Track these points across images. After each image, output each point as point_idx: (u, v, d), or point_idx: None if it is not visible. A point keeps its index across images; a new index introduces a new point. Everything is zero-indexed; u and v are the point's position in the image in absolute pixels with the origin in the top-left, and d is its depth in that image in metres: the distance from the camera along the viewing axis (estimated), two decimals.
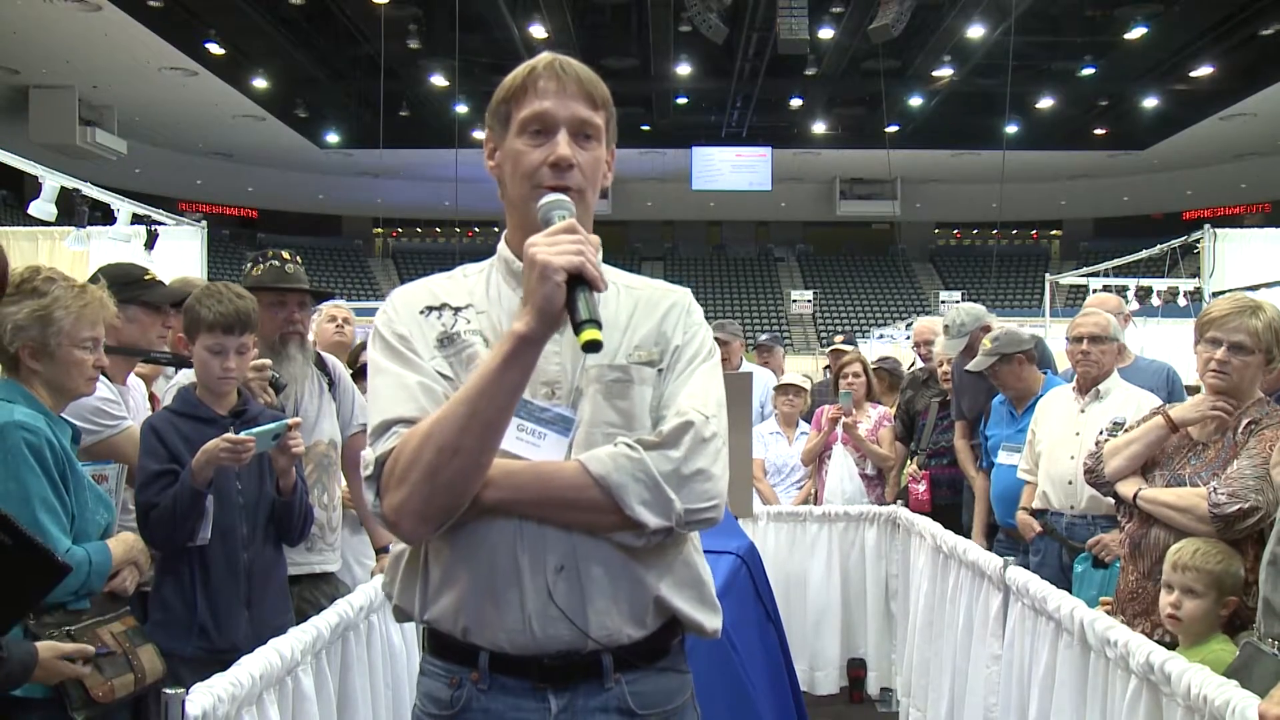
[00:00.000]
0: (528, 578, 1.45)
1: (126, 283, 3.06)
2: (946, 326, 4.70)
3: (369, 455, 1.46)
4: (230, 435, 2.56)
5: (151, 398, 3.38)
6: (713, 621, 1.58)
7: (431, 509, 1.42)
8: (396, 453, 1.42)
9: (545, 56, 1.56)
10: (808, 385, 6.11)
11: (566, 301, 1.34)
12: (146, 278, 3.15)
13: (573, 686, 1.49)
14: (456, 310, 1.57)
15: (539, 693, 1.49)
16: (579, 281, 1.34)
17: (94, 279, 2.65)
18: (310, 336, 3.76)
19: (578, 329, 1.33)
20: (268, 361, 3.02)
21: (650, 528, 1.43)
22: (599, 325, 1.33)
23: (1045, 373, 4.53)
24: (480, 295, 1.59)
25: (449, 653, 1.52)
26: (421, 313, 1.56)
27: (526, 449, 1.47)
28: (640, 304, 1.61)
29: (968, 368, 4.45)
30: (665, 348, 1.57)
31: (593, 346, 1.33)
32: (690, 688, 1.62)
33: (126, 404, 2.98)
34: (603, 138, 1.56)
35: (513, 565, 1.46)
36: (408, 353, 1.51)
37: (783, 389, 5.92)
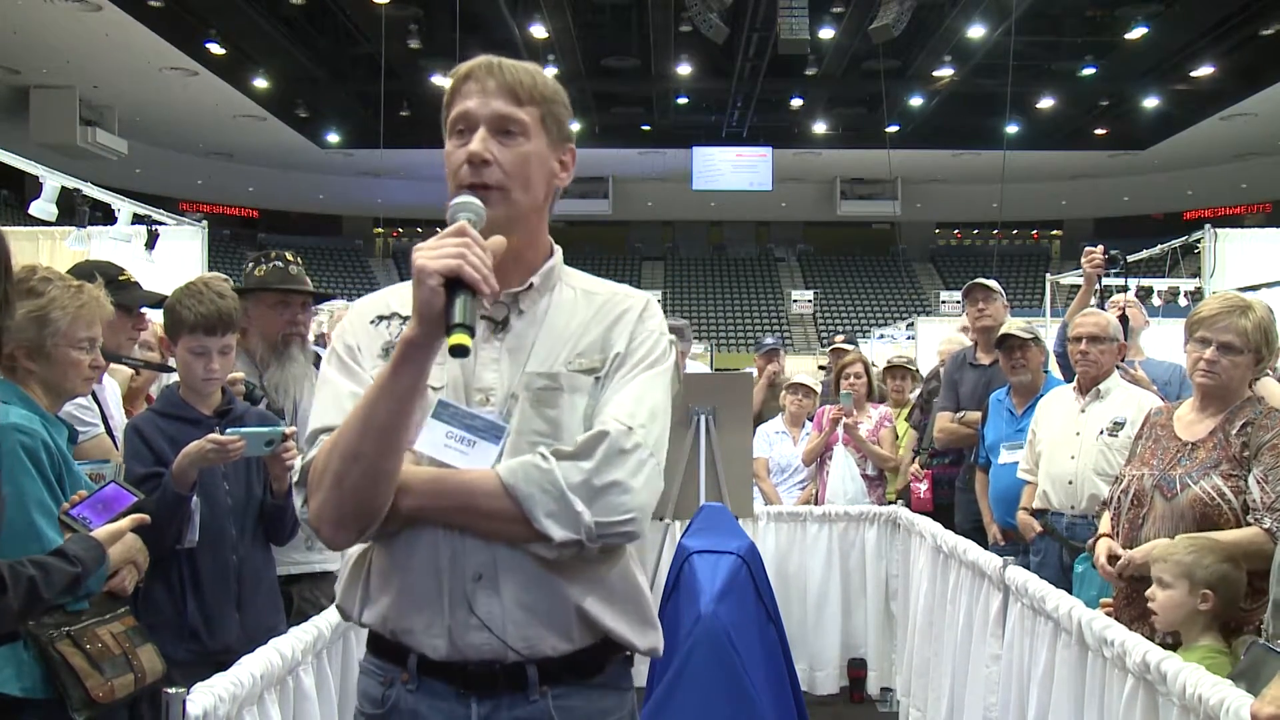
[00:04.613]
0: (448, 586, 1.47)
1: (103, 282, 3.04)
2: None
3: (298, 463, 1.51)
4: (217, 436, 2.52)
5: (149, 399, 3.37)
6: (646, 640, 1.54)
7: (344, 515, 1.44)
8: (315, 460, 1.46)
9: (478, 59, 1.54)
10: (818, 387, 6.13)
11: (445, 305, 1.33)
12: (121, 278, 3.09)
13: (496, 696, 1.48)
14: (405, 319, 1.56)
15: (463, 698, 1.49)
16: (459, 285, 1.33)
17: (86, 276, 2.60)
18: (311, 336, 3.76)
19: (447, 332, 1.33)
20: (241, 375, 2.99)
21: (555, 540, 1.41)
22: (469, 330, 1.33)
23: (1046, 372, 4.53)
24: None
25: (383, 652, 1.54)
26: (372, 322, 1.58)
27: (455, 456, 1.46)
28: (597, 311, 1.58)
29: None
30: (607, 357, 1.53)
31: (458, 351, 1.32)
32: (630, 705, 1.58)
33: (103, 405, 2.96)
34: (531, 133, 1.51)
35: (434, 573, 1.47)
36: (352, 363, 1.54)
37: (792, 388, 5.92)
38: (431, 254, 1.34)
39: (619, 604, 1.51)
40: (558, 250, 1.62)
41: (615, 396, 1.49)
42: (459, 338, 1.32)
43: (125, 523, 2.22)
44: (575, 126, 1.64)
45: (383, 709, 1.52)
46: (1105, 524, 3.06)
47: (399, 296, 1.60)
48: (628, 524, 1.44)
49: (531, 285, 1.56)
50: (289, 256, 3.25)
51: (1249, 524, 2.71)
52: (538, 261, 1.58)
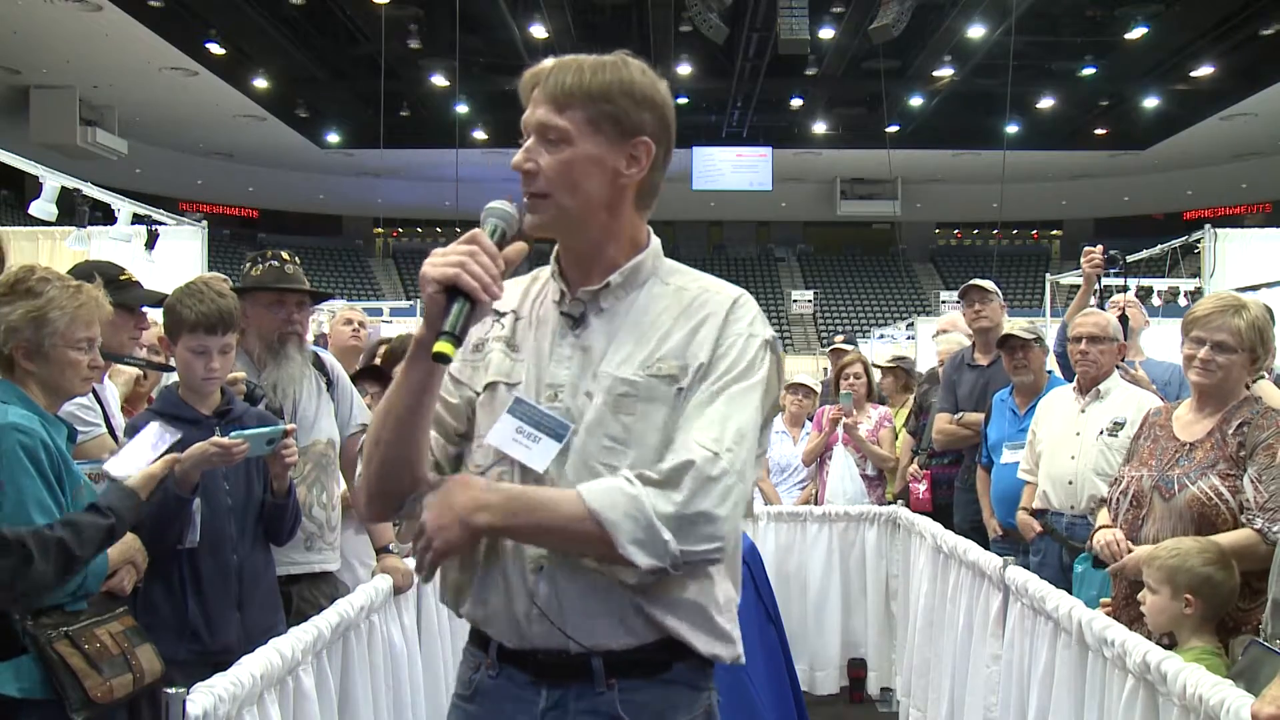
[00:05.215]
0: (514, 579, 1.51)
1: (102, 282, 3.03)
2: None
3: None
4: (220, 439, 2.52)
5: (149, 400, 3.37)
6: (708, 645, 1.53)
7: (371, 493, 1.56)
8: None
9: (541, 64, 1.56)
10: (817, 387, 6.12)
11: (443, 311, 1.39)
12: (122, 277, 3.07)
13: (564, 685, 1.51)
14: (499, 316, 1.62)
15: (535, 686, 1.52)
16: (457, 293, 1.38)
17: (86, 276, 2.60)
18: (310, 336, 3.75)
19: (435, 337, 1.38)
20: (242, 374, 3.00)
21: (642, 568, 1.42)
22: (455, 340, 1.37)
23: (1049, 373, 4.53)
24: (530, 299, 1.64)
25: (474, 639, 1.62)
26: None
27: (520, 451, 1.50)
28: (683, 311, 1.55)
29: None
30: (689, 364, 1.51)
31: (438, 358, 1.37)
32: (705, 705, 1.58)
33: (105, 405, 2.96)
34: (575, 137, 1.51)
35: (500, 564, 1.52)
36: None
37: (792, 388, 5.92)
38: (434, 261, 1.40)
39: (679, 606, 1.51)
40: (652, 245, 1.62)
41: (700, 416, 1.47)
42: (440, 345, 1.37)
43: (158, 466, 2.30)
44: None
45: (469, 691, 1.60)
46: (1104, 518, 3.07)
47: (510, 292, 1.64)
48: (714, 552, 1.44)
49: (609, 284, 1.56)
50: (285, 256, 3.24)
51: (1245, 524, 2.71)
52: (620, 259, 1.58)
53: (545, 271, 1.65)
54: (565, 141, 1.51)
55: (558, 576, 1.48)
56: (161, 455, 2.38)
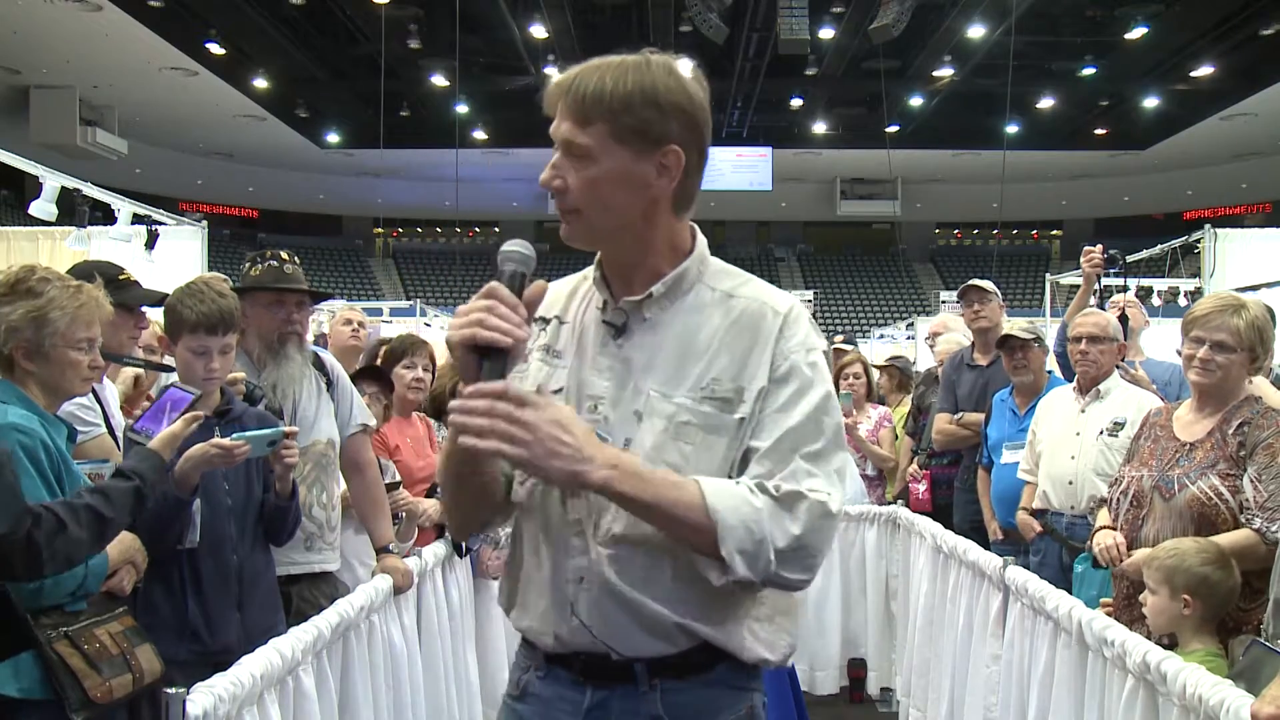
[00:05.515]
0: (555, 589, 1.52)
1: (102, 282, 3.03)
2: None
3: None
4: (221, 440, 2.51)
5: (149, 399, 3.36)
6: (753, 653, 1.53)
7: (450, 523, 1.67)
8: None
9: (568, 71, 1.50)
10: None
11: (477, 369, 1.39)
12: (121, 277, 3.06)
13: (608, 687, 1.53)
14: (546, 323, 1.61)
15: (580, 686, 1.54)
16: (483, 349, 1.38)
17: (86, 276, 2.60)
18: (310, 336, 3.75)
19: None
20: (242, 375, 2.99)
21: (737, 575, 1.42)
22: None
23: (1049, 373, 4.53)
24: (577, 300, 1.62)
25: (526, 642, 1.64)
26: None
27: None
28: (732, 324, 1.52)
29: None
30: (745, 388, 1.49)
31: None
32: (748, 704, 1.58)
33: (104, 405, 2.97)
34: (599, 154, 1.45)
35: (542, 575, 1.54)
36: None
37: None
38: (456, 323, 1.39)
39: (720, 619, 1.51)
40: (697, 250, 1.57)
41: (805, 443, 1.47)
42: None
43: (179, 425, 2.34)
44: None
45: (519, 691, 1.63)
46: (1104, 518, 3.07)
47: (558, 294, 1.63)
48: (804, 582, 1.47)
49: (651, 294, 1.53)
50: (284, 255, 3.23)
51: (1245, 524, 2.71)
52: (663, 267, 1.54)
53: (594, 271, 1.62)
54: (590, 158, 1.45)
55: (598, 589, 1.48)
56: (181, 414, 2.40)
